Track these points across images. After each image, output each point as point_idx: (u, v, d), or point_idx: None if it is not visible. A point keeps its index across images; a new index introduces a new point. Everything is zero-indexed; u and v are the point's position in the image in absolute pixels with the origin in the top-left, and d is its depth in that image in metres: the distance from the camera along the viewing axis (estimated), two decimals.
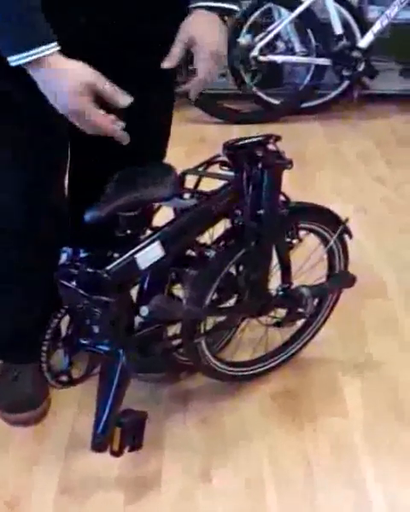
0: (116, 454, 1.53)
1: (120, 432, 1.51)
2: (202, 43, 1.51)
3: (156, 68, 1.59)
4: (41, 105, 1.44)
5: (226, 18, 1.53)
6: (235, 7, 1.54)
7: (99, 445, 1.54)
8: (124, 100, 1.41)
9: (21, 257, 1.65)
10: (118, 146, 1.66)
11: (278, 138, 1.63)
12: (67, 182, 1.76)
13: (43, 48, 1.32)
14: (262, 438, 1.73)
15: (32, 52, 1.32)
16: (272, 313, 1.82)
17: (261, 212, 1.65)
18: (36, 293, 1.70)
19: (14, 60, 1.33)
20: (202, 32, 1.50)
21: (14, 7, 1.31)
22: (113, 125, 1.41)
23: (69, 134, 1.60)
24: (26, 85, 1.39)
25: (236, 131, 3.64)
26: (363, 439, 1.73)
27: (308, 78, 3.91)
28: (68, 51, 1.35)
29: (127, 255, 1.50)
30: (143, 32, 1.52)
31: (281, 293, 1.80)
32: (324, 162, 3.40)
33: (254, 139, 1.63)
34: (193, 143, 3.51)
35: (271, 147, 1.63)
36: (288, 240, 1.76)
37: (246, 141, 1.62)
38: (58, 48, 1.34)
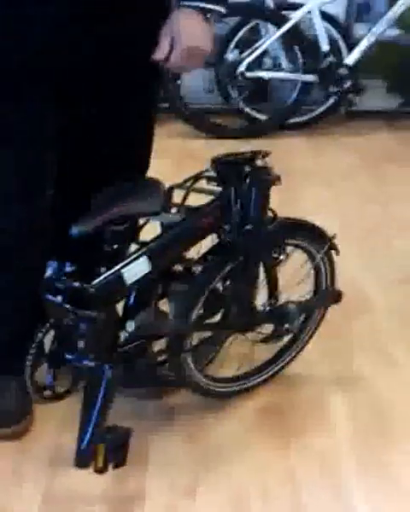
0: (100, 471, 1.51)
1: (105, 448, 1.50)
2: (179, 36, 1.53)
3: (138, 77, 1.59)
4: (44, 99, 1.44)
5: (209, 16, 1.56)
6: (219, 8, 1.55)
7: (83, 461, 1.52)
8: None
9: (6, 267, 1.63)
10: (101, 158, 1.66)
11: (266, 154, 1.63)
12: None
13: None
14: (248, 454, 1.72)
15: None
16: (259, 329, 1.82)
17: (249, 227, 1.65)
18: (19, 307, 1.69)
19: None
20: (180, 27, 1.53)
21: None
22: None
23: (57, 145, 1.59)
24: (29, 78, 1.38)
25: (222, 146, 3.64)
26: (349, 456, 1.72)
27: (295, 94, 3.94)
28: (51, 51, 1.34)
29: (114, 270, 1.50)
30: (127, 36, 1.52)
31: (267, 309, 1.79)
32: (309, 178, 3.41)
33: (243, 155, 1.63)
34: (179, 158, 3.51)
35: (259, 163, 1.63)
36: (275, 256, 1.75)
37: (235, 156, 1.62)
38: None
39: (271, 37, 3.84)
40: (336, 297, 1.90)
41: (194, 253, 1.71)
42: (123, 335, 1.61)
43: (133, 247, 1.59)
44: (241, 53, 3.84)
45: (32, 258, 1.63)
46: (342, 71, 3.86)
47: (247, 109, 3.98)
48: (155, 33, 1.54)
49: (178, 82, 3.83)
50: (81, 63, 1.49)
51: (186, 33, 1.52)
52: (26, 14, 1.39)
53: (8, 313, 1.70)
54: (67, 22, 1.37)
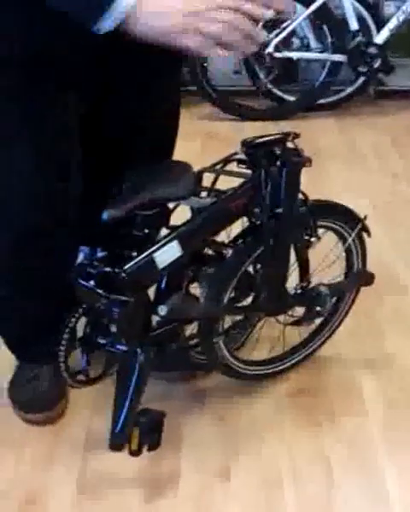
0: (134, 453, 1.52)
1: (139, 431, 1.51)
2: None
3: (162, 58, 1.58)
4: (46, 98, 1.43)
5: None
6: None
7: (117, 444, 1.54)
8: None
9: (32, 256, 1.63)
10: (128, 144, 1.65)
11: (296, 136, 1.62)
12: None
13: None
14: (279, 436, 1.73)
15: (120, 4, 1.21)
16: (290, 312, 1.81)
17: (279, 210, 1.64)
18: (49, 294, 1.69)
19: (107, 25, 1.23)
20: None
21: None
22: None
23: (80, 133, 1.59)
24: (30, 78, 1.37)
25: (249, 128, 3.63)
26: (381, 437, 1.72)
27: (324, 74, 3.89)
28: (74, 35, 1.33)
29: (145, 254, 1.50)
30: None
31: (299, 291, 1.79)
32: (339, 158, 3.38)
33: (273, 137, 1.62)
34: (206, 140, 3.50)
35: (289, 144, 1.62)
36: (306, 238, 1.74)
37: (265, 138, 1.61)
38: None
39: (299, 16, 3.80)
40: (368, 279, 1.89)
41: (224, 236, 1.71)
42: (155, 319, 1.61)
43: (164, 231, 1.59)
44: (268, 33, 3.80)
45: (59, 245, 1.63)
46: (372, 50, 3.81)
47: (275, 90, 3.95)
48: None
49: (206, 64, 3.81)
50: (90, 60, 1.47)
51: None
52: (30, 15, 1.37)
53: (34, 303, 1.71)
54: (67, 23, 1.35)
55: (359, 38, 3.81)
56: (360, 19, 3.86)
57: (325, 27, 3.84)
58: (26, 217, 1.58)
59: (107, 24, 1.24)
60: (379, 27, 3.85)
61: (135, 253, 1.50)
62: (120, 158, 1.66)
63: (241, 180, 1.65)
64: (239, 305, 1.75)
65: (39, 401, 1.75)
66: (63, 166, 1.58)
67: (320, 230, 1.78)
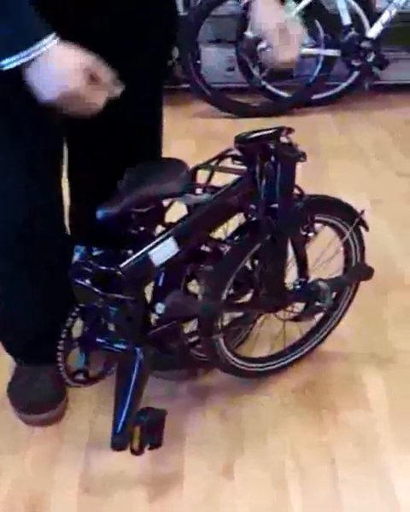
0: (136, 452, 1.52)
1: (140, 430, 1.50)
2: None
3: (146, 54, 1.58)
4: (34, 105, 1.43)
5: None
6: None
7: (119, 443, 1.53)
8: (116, 89, 1.36)
9: (25, 257, 1.63)
10: (117, 141, 1.63)
11: (290, 130, 1.61)
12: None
13: (45, 41, 1.26)
14: (284, 432, 1.72)
15: (33, 49, 1.25)
16: (290, 308, 1.81)
17: (276, 205, 1.63)
18: (45, 294, 1.69)
19: (11, 61, 1.26)
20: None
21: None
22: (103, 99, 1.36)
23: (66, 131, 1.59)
24: (18, 88, 1.37)
25: (245, 125, 3.60)
26: (386, 432, 1.71)
27: (318, 69, 3.89)
28: (59, 27, 1.33)
29: (141, 252, 1.49)
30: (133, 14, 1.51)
31: (298, 287, 1.78)
32: (336, 153, 3.37)
33: (267, 132, 1.61)
34: (202, 138, 3.49)
35: (283, 139, 1.62)
36: (303, 233, 1.74)
37: (258, 134, 1.60)
38: (57, 38, 1.28)
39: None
40: (368, 273, 1.88)
41: (221, 233, 1.70)
42: (153, 317, 1.60)
43: (160, 228, 1.58)
44: None
45: (51, 244, 1.62)
46: (365, 44, 3.81)
47: (269, 87, 3.95)
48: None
49: (199, 61, 3.80)
50: None
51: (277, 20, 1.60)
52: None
53: (32, 308, 1.71)
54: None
55: (352, 33, 3.81)
56: (353, 13, 3.85)
57: (317, 22, 3.83)
58: (17, 215, 1.57)
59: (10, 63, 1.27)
60: (372, 21, 3.85)
61: (131, 251, 1.49)
62: (113, 156, 1.66)
63: (236, 176, 1.64)
64: (238, 301, 1.74)
65: (39, 402, 1.74)
66: (53, 168, 1.58)
67: (317, 225, 1.77)
